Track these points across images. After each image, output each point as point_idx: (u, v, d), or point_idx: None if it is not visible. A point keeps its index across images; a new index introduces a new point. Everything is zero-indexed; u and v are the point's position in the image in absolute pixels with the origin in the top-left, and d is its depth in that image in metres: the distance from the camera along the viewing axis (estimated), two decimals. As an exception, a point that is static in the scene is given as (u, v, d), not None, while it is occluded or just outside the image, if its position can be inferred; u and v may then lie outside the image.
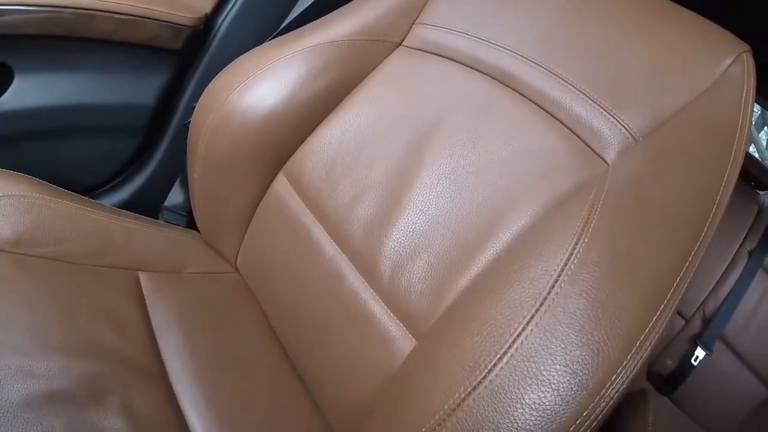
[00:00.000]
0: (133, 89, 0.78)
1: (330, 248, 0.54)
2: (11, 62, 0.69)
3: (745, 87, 0.47)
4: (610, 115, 0.46)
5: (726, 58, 0.47)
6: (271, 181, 0.63)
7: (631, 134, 0.45)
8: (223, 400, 0.48)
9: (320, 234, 0.56)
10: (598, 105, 0.47)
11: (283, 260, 0.59)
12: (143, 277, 0.58)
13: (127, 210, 0.67)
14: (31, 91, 0.72)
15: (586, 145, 0.46)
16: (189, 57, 0.81)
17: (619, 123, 0.45)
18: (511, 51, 0.54)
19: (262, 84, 0.60)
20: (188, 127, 0.65)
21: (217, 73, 0.64)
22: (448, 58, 0.58)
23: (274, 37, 0.69)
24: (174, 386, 0.48)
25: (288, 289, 0.58)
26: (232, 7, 0.81)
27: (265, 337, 0.59)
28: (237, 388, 0.51)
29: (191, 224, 0.72)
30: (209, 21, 0.80)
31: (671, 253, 0.38)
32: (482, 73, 0.55)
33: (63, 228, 0.56)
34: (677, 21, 0.52)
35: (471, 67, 0.56)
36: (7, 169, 0.58)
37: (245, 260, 0.66)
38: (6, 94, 0.70)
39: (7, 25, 0.65)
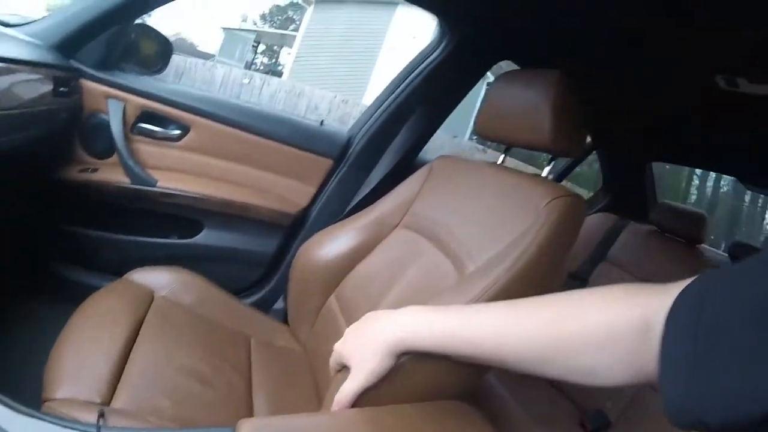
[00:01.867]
0: (262, 243, 1.43)
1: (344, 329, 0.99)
2: (201, 219, 1.37)
3: (546, 220, 0.79)
4: (469, 254, 0.87)
5: (541, 203, 0.82)
6: (327, 300, 1.13)
7: (474, 263, 0.84)
8: (278, 401, 0.94)
9: (343, 326, 1.01)
10: (466, 250, 0.89)
11: (329, 345, 1.05)
12: (253, 341, 1.09)
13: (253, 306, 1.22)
14: (210, 236, 1.38)
15: (456, 269, 0.89)
16: (294, 228, 1.45)
17: (471, 258, 0.86)
18: (442, 225, 1.00)
19: (329, 245, 1.15)
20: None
21: (308, 238, 1.20)
22: (414, 231, 1.06)
23: (340, 219, 1.23)
24: (252, 386, 0.95)
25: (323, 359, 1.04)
26: (318, 202, 1.47)
27: (307, 383, 1.04)
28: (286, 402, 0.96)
29: (286, 321, 1.23)
30: (305, 210, 1.47)
31: None
32: (424, 236, 1.02)
33: (215, 304, 1.12)
34: (517, 188, 0.91)
35: (421, 234, 1.04)
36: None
37: (309, 344, 1.14)
38: (198, 236, 1.37)
39: (203, 203, 1.33)
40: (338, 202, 1.47)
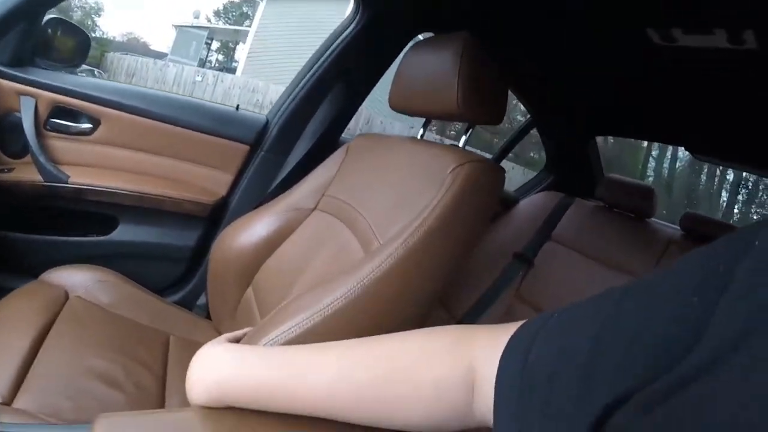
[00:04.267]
0: (181, 236, 1.39)
1: (260, 320, 0.98)
2: (116, 214, 1.32)
3: (448, 188, 0.77)
4: (374, 233, 0.85)
5: (445, 170, 0.80)
6: (245, 291, 1.10)
7: (379, 240, 0.82)
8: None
9: (258, 317, 1.00)
10: (372, 230, 0.87)
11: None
12: (172, 339, 1.06)
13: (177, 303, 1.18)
14: (127, 231, 1.33)
15: (362, 248, 0.87)
16: (214, 220, 1.40)
17: (376, 236, 0.84)
18: (353, 206, 0.98)
19: (245, 235, 1.11)
20: None
21: (225, 228, 1.17)
22: (329, 213, 1.04)
23: (257, 206, 1.20)
24: (166, 388, 0.91)
25: None
26: (237, 191, 1.42)
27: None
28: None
29: (209, 316, 1.20)
30: (224, 199, 1.42)
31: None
32: (338, 219, 1.00)
33: (133, 303, 1.08)
34: (428, 158, 0.88)
35: (335, 216, 1.02)
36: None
37: None
38: (114, 233, 1.32)
39: (116, 197, 1.27)
40: (257, 189, 1.43)
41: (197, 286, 1.40)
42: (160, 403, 0.87)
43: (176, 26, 18.30)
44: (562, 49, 1.29)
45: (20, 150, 1.25)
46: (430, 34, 1.22)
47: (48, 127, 1.27)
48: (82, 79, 1.34)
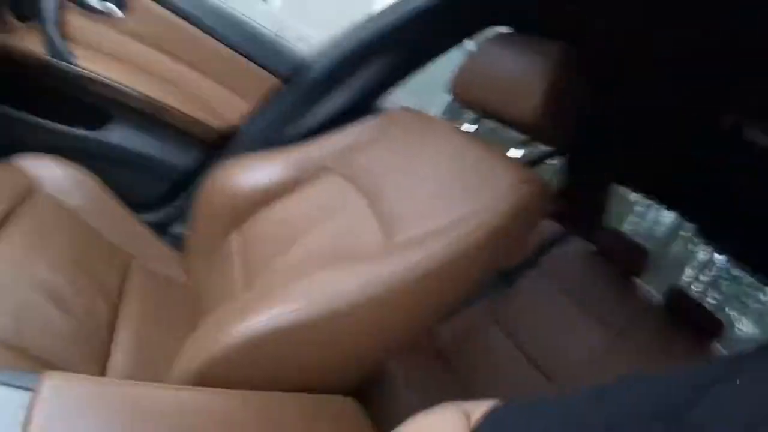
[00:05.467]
0: (175, 154, 1.28)
1: (238, 270, 0.93)
2: (112, 111, 1.21)
3: (504, 205, 0.69)
4: (402, 222, 0.77)
5: (501, 185, 0.73)
6: (228, 236, 1.01)
7: (407, 233, 0.74)
8: (143, 340, 0.85)
9: (238, 266, 0.94)
10: (401, 217, 0.78)
11: (218, 282, 0.97)
12: (134, 264, 0.99)
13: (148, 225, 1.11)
14: (118, 133, 1.23)
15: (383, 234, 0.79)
16: (216, 147, 1.28)
17: (405, 226, 0.76)
18: (379, 181, 0.89)
19: (248, 173, 1.03)
20: None
21: (227, 160, 1.08)
22: (348, 180, 0.94)
23: (268, 147, 1.10)
24: (117, 318, 0.85)
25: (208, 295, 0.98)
26: (250, 122, 1.30)
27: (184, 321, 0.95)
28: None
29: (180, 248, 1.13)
30: (235, 129, 1.29)
31: None
32: (358, 190, 0.91)
33: (103, 213, 1.01)
34: (479, 163, 0.80)
35: (355, 186, 0.92)
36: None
37: (197, 278, 1.05)
38: (104, 131, 1.22)
39: (117, 93, 1.16)
40: (273, 128, 1.29)
41: (176, 212, 1.30)
42: (109, 334, 0.81)
43: None
44: (643, 95, 1.21)
45: (29, 12, 1.12)
46: (505, 29, 1.13)
47: None
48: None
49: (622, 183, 1.91)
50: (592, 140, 1.64)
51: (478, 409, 0.42)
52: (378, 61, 1.33)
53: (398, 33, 1.28)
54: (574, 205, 1.94)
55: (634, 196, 4.27)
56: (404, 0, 1.28)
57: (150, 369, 0.79)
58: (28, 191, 0.91)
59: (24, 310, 0.72)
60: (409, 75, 1.37)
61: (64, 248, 0.87)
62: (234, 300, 0.82)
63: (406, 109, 1.04)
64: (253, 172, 1.03)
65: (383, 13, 1.30)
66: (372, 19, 1.31)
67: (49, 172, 0.98)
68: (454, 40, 1.31)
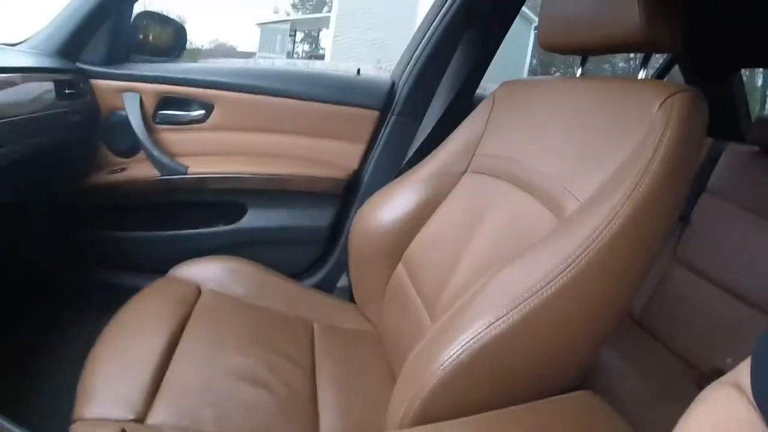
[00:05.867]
0: (314, 217, 1.28)
1: (416, 301, 0.86)
2: (244, 201, 1.25)
3: (666, 125, 0.59)
4: (566, 190, 0.67)
5: (652, 106, 0.62)
6: (393, 270, 0.97)
7: (576, 199, 0.64)
8: (349, 397, 0.80)
9: (415, 297, 0.87)
10: (562, 186, 0.68)
11: (400, 322, 0.90)
12: (316, 326, 0.96)
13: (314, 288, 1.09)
14: (256, 217, 1.25)
15: (551, 211, 0.69)
16: (348, 195, 1.29)
17: (570, 194, 0.66)
18: (520, 161, 0.80)
19: (387, 207, 0.98)
20: None
21: (364, 203, 1.05)
22: (488, 174, 0.87)
23: (395, 177, 1.07)
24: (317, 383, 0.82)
25: (396, 337, 0.91)
26: (369, 161, 1.29)
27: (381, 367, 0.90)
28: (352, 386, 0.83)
29: (352, 299, 1.08)
30: (357, 172, 1.30)
31: None
32: (501, 179, 0.83)
33: (270, 291, 1.00)
34: (615, 96, 0.71)
35: (497, 177, 0.85)
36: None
37: (379, 321, 0.99)
38: (244, 220, 1.25)
39: (241, 182, 1.21)
40: (392, 158, 1.28)
41: (335, 268, 1.30)
42: (313, 401, 0.78)
43: (259, 24, 18.95)
44: None
45: (131, 148, 1.22)
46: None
47: (157, 120, 1.23)
48: (187, 65, 1.30)
49: (746, 64, 1.75)
50: (707, 29, 1.47)
51: (739, 373, 0.36)
52: (460, 49, 1.29)
53: (466, 11, 1.25)
54: (711, 110, 1.72)
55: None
56: None
57: (362, 421, 0.77)
58: (195, 294, 0.93)
59: (224, 399, 0.71)
60: (496, 46, 1.33)
61: (245, 334, 0.86)
62: (426, 331, 0.77)
63: (507, 83, 0.98)
64: (391, 205, 0.99)
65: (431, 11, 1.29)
66: (434, 9, 1.30)
67: (207, 272, 1.00)
68: None
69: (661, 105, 0.62)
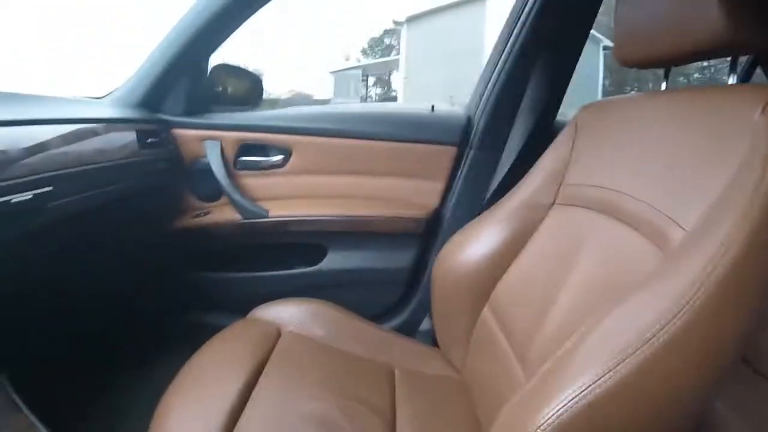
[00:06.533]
0: (394, 257, 1.26)
1: (505, 347, 0.80)
2: (324, 243, 1.26)
3: None
4: (669, 218, 0.60)
5: (752, 113, 0.55)
6: (480, 313, 0.92)
7: (681, 227, 0.57)
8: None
9: (504, 342, 0.81)
10: (663, 214, 0.61)
11: (488, 368, 0.85)
12: (397, 372, 0.91)
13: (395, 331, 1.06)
14: (336, 259, 1.25)
15: (653, 243, 0.62)
16: (429, 235, 1.26)
17: (674, 222, 0.59)
18: (614, 190, 0.74)
19: (471, 246, 0.94)
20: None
21: (446, 242, 1.01)
22: (578, 205, 0.81)
23: (478, 213, 1.02)
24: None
25: (483, 385, 0.85)
26: (450, 199, 1.26)
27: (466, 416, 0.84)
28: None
29: (435, 343, 1.03)
30: (437, 211, 1.27)
31: None
32: (595, 210, 0.77)
33: (350, 334, 0.97)
34: (707, 106, 0.64)
35: (589, 208, 0.78)
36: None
37: (465, 367, 0.93)
38: (323, 262, 1.26)
39: (320, 224, 1.22)
40: (473, 194, 1.25)
41: (417, 311, 1.26)
42: None
43: (332, 72, 19.84)
44: None
45: (214, 193, 1.27)
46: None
47: (238, 166, 1.28)
48: (265, 113, 1.34)
49: None
50: None
51: None
52: (535, 75, 1.25)
53: (537, 35, 1.21)
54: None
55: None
56: (517, 3, 1.25)
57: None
58: (275, 335, 0.93)
59: None
60: (572, 68, 1.28)
61: (324, 378, 0.84)
62: (516, 380, 0.74)
63: (589, 106, 0.92)
64: (475, 243, 0.95)
65: (508, 27, 1.26)
66: (503, 39, 1.27)
67: (288, 314, 0.99)
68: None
69: (763, 110, 0.55)
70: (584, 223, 0.78)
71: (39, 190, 0.81)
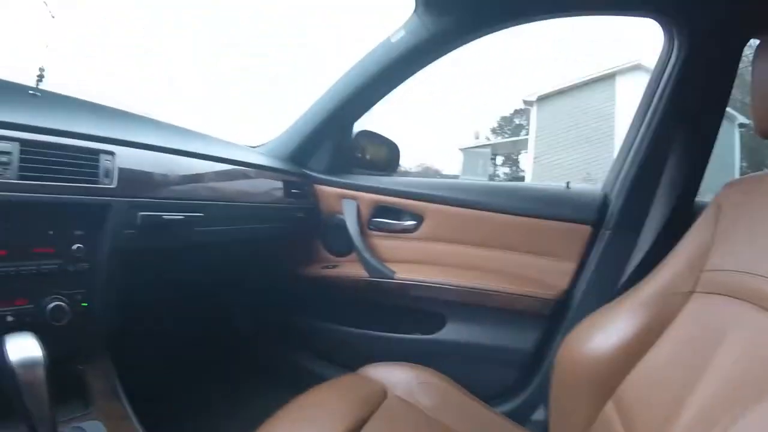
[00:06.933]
0: (515, 337, 1.21)
1: None
2: (444, 312, 1.25)
3: None
4: None
5: None
6: (602, 408, 0.83)
7: None
8: None
9: None
10: None
11: None
12: None
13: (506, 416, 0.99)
14: (454, 330, 1.24)
15: None
16: (555, 317, 1.20)
17: None
18: (762, 276, 0.65)
19: (600, 335, 0.87)
20: None
21: (574, 327, 0.95)
22: (721, 293, 0.73)
23: (610, 298, 0.95)
24: None
25: None
26: (581, 281, 1.20)
27: None
28: None
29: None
30: (567, 292, 1.20)
31: None
32: (739, 299, 0.68)
33: (458, 410, 0.94)
34: None
35: (733, 297, 0.69)
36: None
37: None
38: (441, 331, 1.25)
39: (443, 293, 1.22)
40: (607, 277, 1.17)
41: (533, 397, 1.19)
42: None
43: (462, 149, 20.24)
44: None
45: (344, 249, 1.34)
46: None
47: (371, 227, 1.33)
48: (401, 179, 1.41)
49: None
50: None
51: None
52: (673, 154, 1.17)
53: (672, 114, 1.15)
54: None
55: None
56: (652, 81, 1.20)
57: None
58: (381, 396, 0.92)
59: None
60: (711, 145, 1.18)
61: None
62: None
63: (732, 184, 0.85)
64: (605, 331, 0.87)
65: (643, 106, 1.21)
66: (637, 118, 1.23)
67: (397, 377, 0.98)
68: (728, 71, 1.12)
69: None
70: (727, 313, 0.70)
71: (191, 214, 0.92)
